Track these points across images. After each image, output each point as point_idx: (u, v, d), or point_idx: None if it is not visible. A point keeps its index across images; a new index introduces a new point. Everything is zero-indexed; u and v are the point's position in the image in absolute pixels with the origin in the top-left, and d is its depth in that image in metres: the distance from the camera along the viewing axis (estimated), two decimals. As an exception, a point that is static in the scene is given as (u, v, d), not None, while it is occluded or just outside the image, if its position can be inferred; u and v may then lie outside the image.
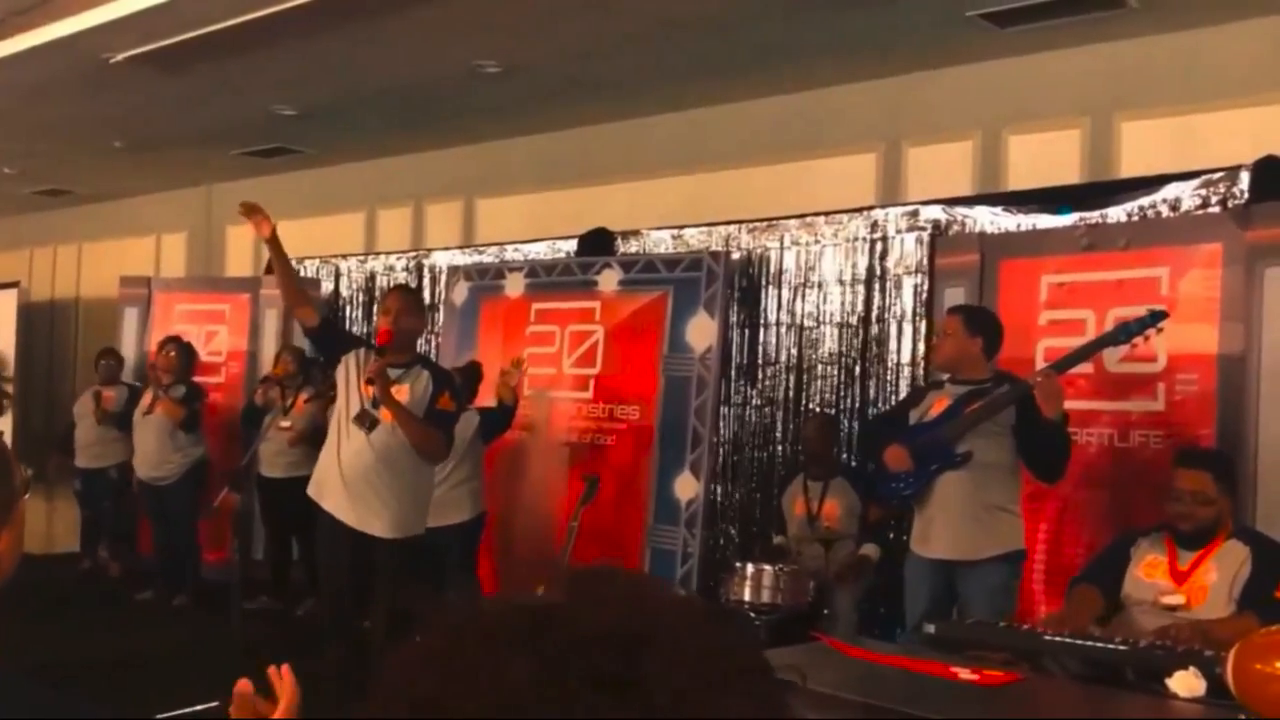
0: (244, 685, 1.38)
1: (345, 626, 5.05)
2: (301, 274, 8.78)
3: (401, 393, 4.77)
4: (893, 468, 4.50)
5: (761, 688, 0.65)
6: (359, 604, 4.99)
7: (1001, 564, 4.37)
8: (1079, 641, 3.32)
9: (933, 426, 4.46)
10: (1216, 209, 5.05)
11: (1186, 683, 2.95)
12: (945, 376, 4.66)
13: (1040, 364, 4.83)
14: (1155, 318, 4.32)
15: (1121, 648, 3.23)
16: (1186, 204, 5.17)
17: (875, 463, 4.85)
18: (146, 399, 7.69)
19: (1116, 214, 5.35)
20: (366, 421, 4.76)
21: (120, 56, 6.22)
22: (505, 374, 6.29)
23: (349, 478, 4.78)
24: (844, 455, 6.17)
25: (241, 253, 9.75)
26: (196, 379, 7.92)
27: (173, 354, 7.68)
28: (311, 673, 1.63)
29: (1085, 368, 4.88)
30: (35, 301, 10.97)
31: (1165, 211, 5.22)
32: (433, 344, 7.70)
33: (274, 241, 4.84)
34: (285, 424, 7.20)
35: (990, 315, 4.73)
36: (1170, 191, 5.22)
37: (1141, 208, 5.29)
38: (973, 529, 4.36)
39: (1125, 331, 4.40)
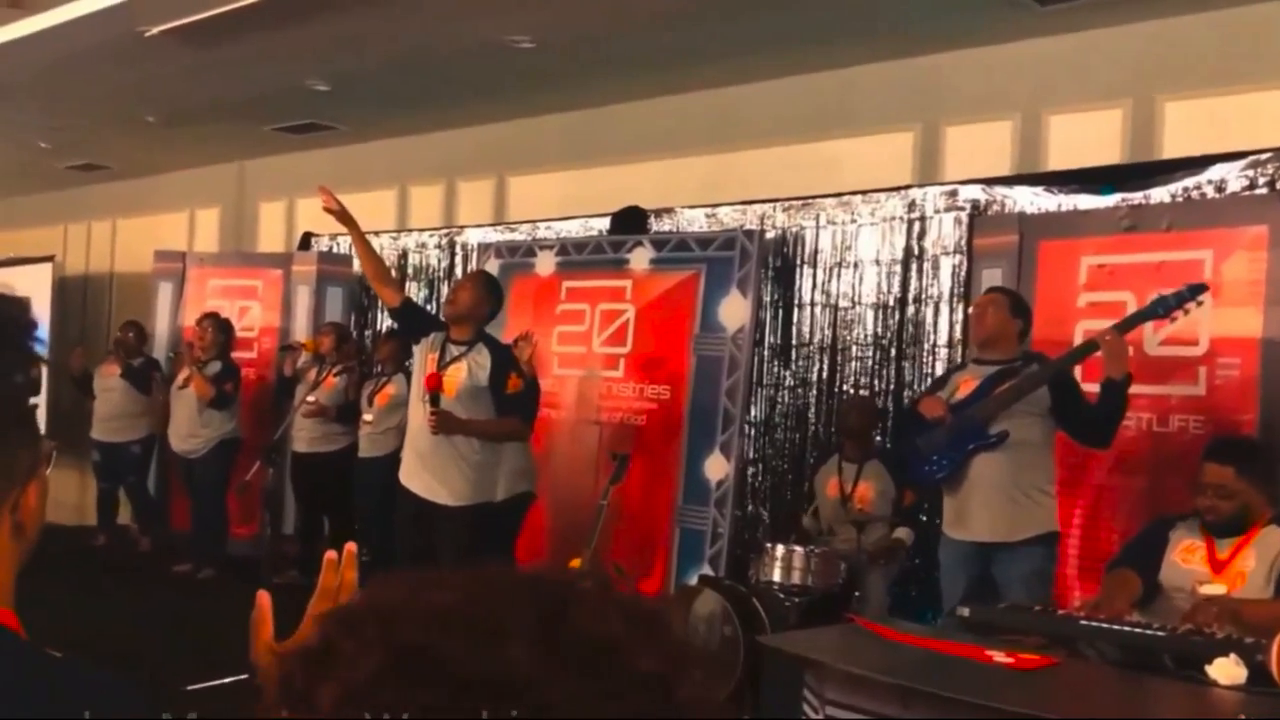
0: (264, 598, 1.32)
1: None
2: (333, 250, 8.81)
3: (459, 370, 5.00)
4: (928, 416, 4.45)
5: None
6: None
7: (1037, 546, 4.34)
8: (1115, 627, 3.26)
9: (963, 407, 4.40)
10: (1264, 190, 4.95)
11: (1227, 670, 2.89)
12: (972, 357, 4.63)
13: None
14: (1194, 291, 4.25)
15: (1159, 634, 3.17)
16: (1232, 185, 5.07)
17: (908, 447, 4.80)
18: (183, 374, 7.74)
19: (1159, 195, 5.25)
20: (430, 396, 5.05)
21: (155, 30, 6.21)
22: (516, 348, 6.20)
23: (421, 451, 5.06)
24: (880, 438, 6.10)
25: (274, 228, 9.75)
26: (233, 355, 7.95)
27: (209, 330, 7.71)
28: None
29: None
30: (70, 275, 11.02)
31: (1210, 193, 5.12)
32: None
33: (345, 220, 5.09)
34: (311, 399, 7.22)
35: (1027, 302, 4.78)
36: (1215, 172, 5.12)
37: (1185, 189, 5.19)
38: (1010, 510, 4.31)
39: (1163, 305, 4.31)
